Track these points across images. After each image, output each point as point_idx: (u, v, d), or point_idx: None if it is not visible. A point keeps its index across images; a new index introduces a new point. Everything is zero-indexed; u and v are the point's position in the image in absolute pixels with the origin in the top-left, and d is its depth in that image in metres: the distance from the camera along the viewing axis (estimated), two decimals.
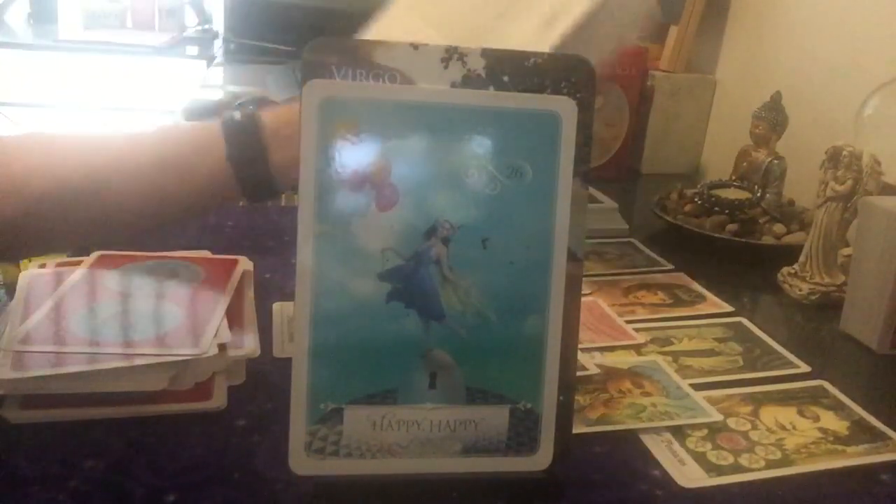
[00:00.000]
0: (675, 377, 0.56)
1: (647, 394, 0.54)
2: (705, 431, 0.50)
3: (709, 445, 0.49)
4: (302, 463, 0.39)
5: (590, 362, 0.57)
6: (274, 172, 0.64)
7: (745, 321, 0.67)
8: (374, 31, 0.63)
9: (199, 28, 2.21)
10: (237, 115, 0.64)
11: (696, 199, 0.91)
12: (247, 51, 1.79)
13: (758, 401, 0.54)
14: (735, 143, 0.98)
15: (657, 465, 0.46)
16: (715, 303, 0.71)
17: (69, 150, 0.64)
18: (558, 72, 0.40)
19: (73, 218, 0.61)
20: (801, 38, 1.05)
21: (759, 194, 0.90)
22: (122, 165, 0.63)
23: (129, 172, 0.63)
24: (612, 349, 0.61)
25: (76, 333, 0.48)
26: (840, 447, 0.49)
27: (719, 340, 0.64)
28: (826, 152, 0.72)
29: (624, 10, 0.58)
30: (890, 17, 0.91)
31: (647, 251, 0.84)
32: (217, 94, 1.52)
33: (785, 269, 0.77)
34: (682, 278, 0.77)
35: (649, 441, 0.49)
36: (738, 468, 0.47)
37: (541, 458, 0.41)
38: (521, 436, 0.41)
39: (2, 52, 1.90)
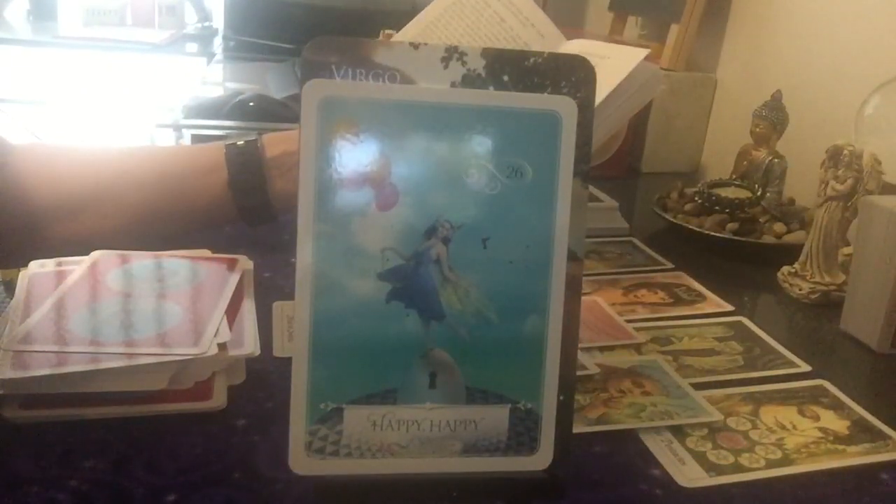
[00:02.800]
0: (676, 376, 0.56)
1: (648, 393, 0.54)
2: (705, 431, 0.50)
3: (709, 445, 0.49)
4: (302, 463, 0.39)
5: (590, 362, 0.57)
6: (273, 200, 0.64)
7: (745, 320, 0.67)
8: None
9: (199, 25, 2.21)
10: (241, 142, 0.64)
11: (696, 198, 0.91)
12: (246, 48, 1.79)
13: (758, 400, 0.54)
14: (735, 141, 0.98)
15: (657, 464, 0.46)
16: (715, 302, 0.71)
17: (73, 162, 0.64)
18: (558, 72, 0.40)
19: (74, 228, 0.62)
20: (802, 38, 1.05)
21: (759, 193, 0.90)
22: (124, 181, 0.64)
23: (131, 189, 0.63)
24: (612, 348, 0.61)
25: (76, 333, 0.48)
26: (840, 447, 0.49)
27: (719, 340, 0.64)
28: (826, 151, 0.72)
29: (628, 103, 0.58)
30: (890, 18, 0.91)
31: (648, 250, 0.84)
32: (217, 91, 1.52)
33: (785, 269, 0.77)
34: (683, 277, 0.77)
35: (649, 440, 0.49)
36: (738, 468, 0.47)
37: (541, 458, 0.41)
38: (521, 436, 0.41)
39: (1, 49, 1.90)
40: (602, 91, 0.54)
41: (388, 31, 0.98)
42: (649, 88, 0.60)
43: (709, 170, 1.22)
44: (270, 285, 0.65)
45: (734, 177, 0.95)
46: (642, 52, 0.58)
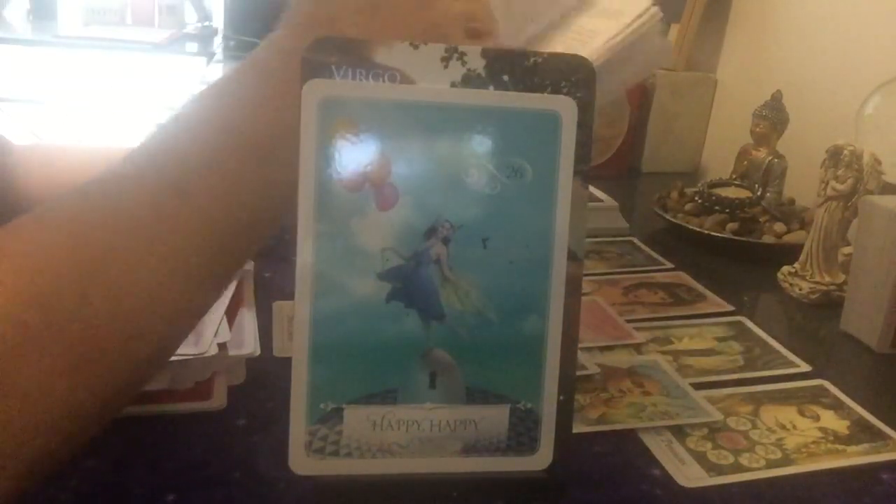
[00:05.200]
0: (676, 376, 0.56)
1: (648, 393, 0.54)
2: (705, 431, 0.50)
3: (709, 445, 0.49)
4: (302, 463, 0.39)
5: (590, 362, 0.57)
6: None
7: (745, 320, 0.67)
8: None
9: (199, 25, 2.21)
10: None
11: (696, 198, 0.91)
12: (247, 48, 1.78)
13: (758, 400, 0.54)
14: (736, 141, 0.98)
15: (657, 464, 0.46)
16: (715, 302, 0.71)
17: (73, 162, 0.64)
18: (558, 72, 0.40)
19: None
20: (802, 37, 1.05)
21: (759, 193, 0.90)
22: None
23: None
24: (612, 348, 0.61)
25: None
26: (840, 447, 0.49)
27: (719, 340, 0.64)
28: (827, 151, 0.72)
29: (642, 54, 0.55)
30: (890, 17, 0.91)
31: (648, 250, 0.84)
32: None
33: (785, 269, 0.77)
34: (683, 277, 0.76)
35: (649, 440, 0.49)
36: (738, 468, 0.47)
37: (541, 458, 0.41)
38: (521, 436, 0.41)
39: (1, 48, 1.90)
40: (606, 47, 0.51)
41: None
42: (653, 59, 0.56)
43: (709, 170, 1.22)
44: (270, 285, 0.65)
45: (734, 177, 0.95)
46: (657, 16, 0.54)
